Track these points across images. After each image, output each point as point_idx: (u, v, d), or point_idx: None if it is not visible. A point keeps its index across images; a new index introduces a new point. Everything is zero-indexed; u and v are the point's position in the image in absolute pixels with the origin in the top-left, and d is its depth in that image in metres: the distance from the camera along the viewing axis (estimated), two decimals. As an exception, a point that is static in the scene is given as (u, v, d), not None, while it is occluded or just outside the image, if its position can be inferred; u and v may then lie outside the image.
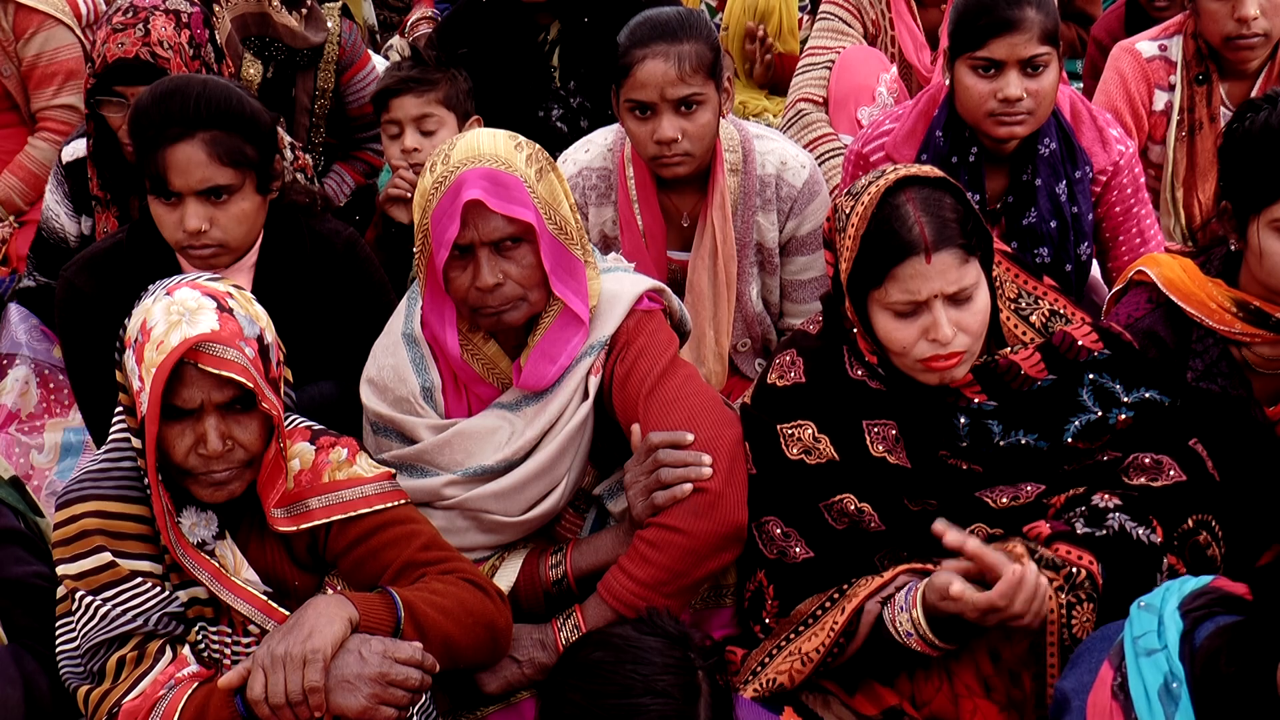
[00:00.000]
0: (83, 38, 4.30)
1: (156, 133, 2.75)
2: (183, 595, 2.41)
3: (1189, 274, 2.73)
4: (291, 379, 2.51)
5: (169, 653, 2.38)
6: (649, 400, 2.59)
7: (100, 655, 2.37)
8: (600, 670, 2.04)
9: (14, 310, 3.79)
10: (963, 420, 2.51)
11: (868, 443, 2.55)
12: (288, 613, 2.36)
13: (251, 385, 2.29)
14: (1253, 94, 3.66)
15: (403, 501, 2.51)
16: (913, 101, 3.53)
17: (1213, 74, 3.68)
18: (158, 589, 2.39)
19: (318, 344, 2.92)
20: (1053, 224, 3.29)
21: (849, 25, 4.24)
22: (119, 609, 2.35)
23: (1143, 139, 3.76)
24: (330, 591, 2.45)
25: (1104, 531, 2.43)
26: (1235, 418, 2.68)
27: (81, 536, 2.37)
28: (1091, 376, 2.52)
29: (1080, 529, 2.44)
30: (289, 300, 2.84)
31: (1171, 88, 3.74)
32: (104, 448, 2.49)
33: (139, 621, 2.36)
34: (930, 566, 2.41)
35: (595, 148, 3.33)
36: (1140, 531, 2.43)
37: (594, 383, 2.64)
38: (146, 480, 2.35)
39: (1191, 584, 2.13)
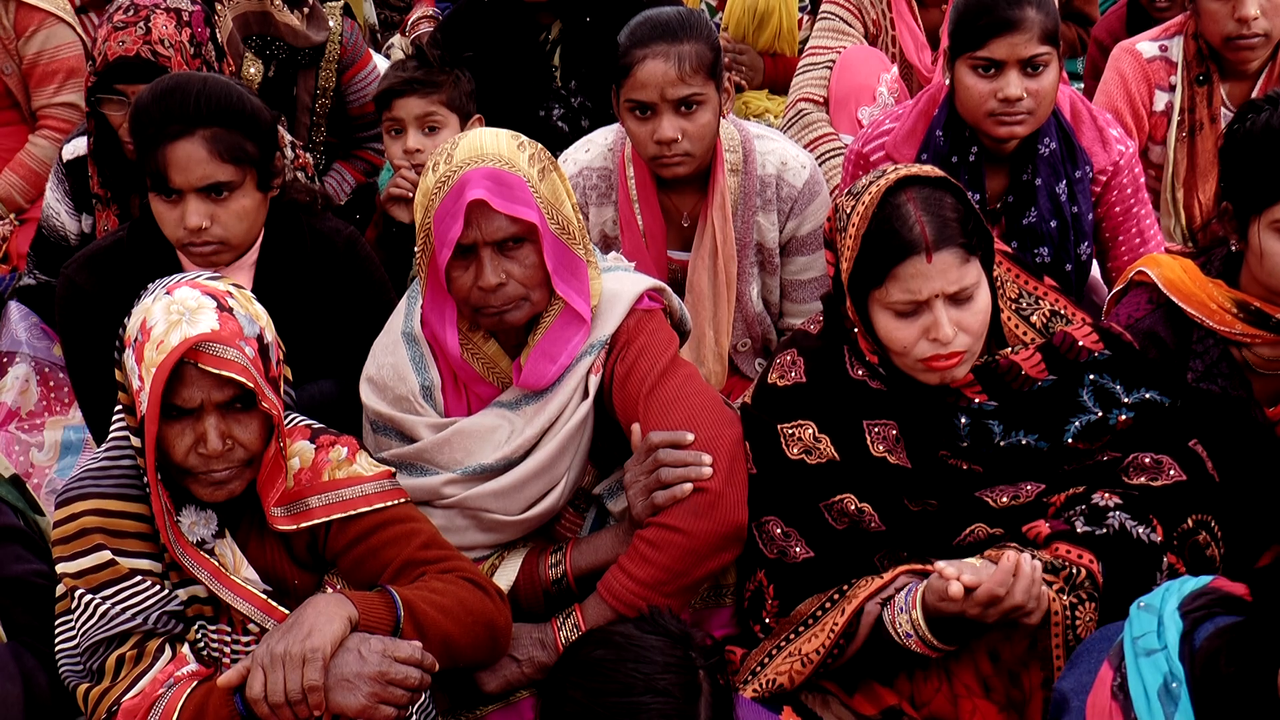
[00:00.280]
0: (82, 33, 4.31)
1: (157, 130, 2.75)
2: (182, 594, 2.41)
3: (1189, 274, 2.73)
4: (291, 377, 2.51)
5: (168, 651, 2.38)
6: (649, 399, 2.59)
7: (99, 653, 2.37)
8: (601, 668, 2.04)
9: (14, 308, 3.79)
10: (963, 420, 2.51)
11: (868, 443, 2.55)
12: (287, 611, 2.36)
13: (252, 385, 2.29)
14: (1253, 95, 3.66)
15: (402, 500, 2.51)
16: (913, 101, 3.52)
17: (1213, 74, 3.68)
18: (157, 587, 2.39)
19: (318, 342, 2.92)
20: (1053, 224, 3.29)
21: (849, 25, 4.24)
22: (118, 607, 2.35)
23: (1143, 139, 3.76)
24: (330, 590, 2.45)
25: (1104, 530, 2.43)
26: (1235, 418, 2.68)
27: (81, 535, 2.37)
28: (1092, 377, 2.52)
29: (1080, 528, 2.44)
30: (289, 298, 2.84)
31: (1172, 88, 3.73)
32: (103, 446, 2.49)
33: (138, 620, 2.36)
34: (930, 567, 2.41)
35: (596, 147, 3.33)
36: (1140, 530, 2.43)
37: (594, 382, 2.64)
38: (146, 479, 2.35)
39: (1191, 584, 2.12)
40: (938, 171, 2.51)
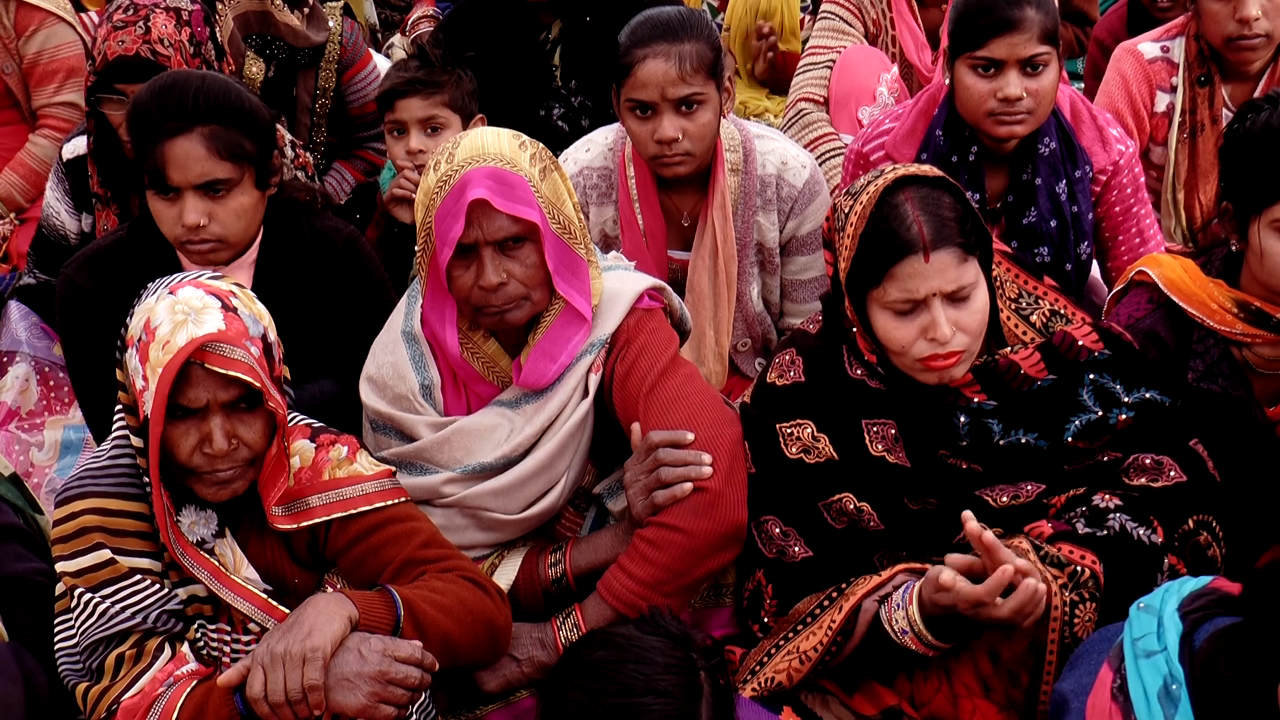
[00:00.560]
0: (82, 33, 4.31)
1: (155, 128, 2.75)
2: (181, 593, 2.41)
3: (1190, 274, 2.73)
4: (289, 377, 2.51)
5: (168, 650, 2.38)
6: (649, 399, 2.59)
7: (99, 652, 2.37)
8: (602, 669, 2.03)
9: (14, 308, 3.79)
10: (962, 419, 2.51)
11: (867, 442, 2.55)
12: (287, 611, 2.35)
13: (259, 385, 2.29)
14: (1255, 96, 3.66)
15: (403, 499, 2.51)
16: (913, 101, 3.53)
17: (1215, 76, 3.68)
18: (157, 586, 2.39)
19: (318, 341, 2.92)
20: (1052, 223, 3.29)
21: (850, 25, 4.24)
22: (118, 606, 2.35)
23: (1144, 140, 3.76)
24: (330, 589, 2.45)
25: (1105, 532, 2.43)
26: (1236, 418, 2.68)
27: (81, 533, 2.37)
28: (1092, 376, 2.52)
29: (1081, 529, 2.44)
30: (289, 297, 2.84)
31: (1173, 89, 3.73)
32: (103, 445, 2.49)
33: (138, 619, 2.36)
34: (928, 566, 2.41)
35: (596, 147, 3.33)
36: (1141, 532, 2.43)
37: (594, 381, 2.64)
38: (146, 479, 2.35)
39: (1191, 585, 2.12)
40: (936, 171, 2.51)
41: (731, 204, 3.22)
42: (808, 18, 4.83)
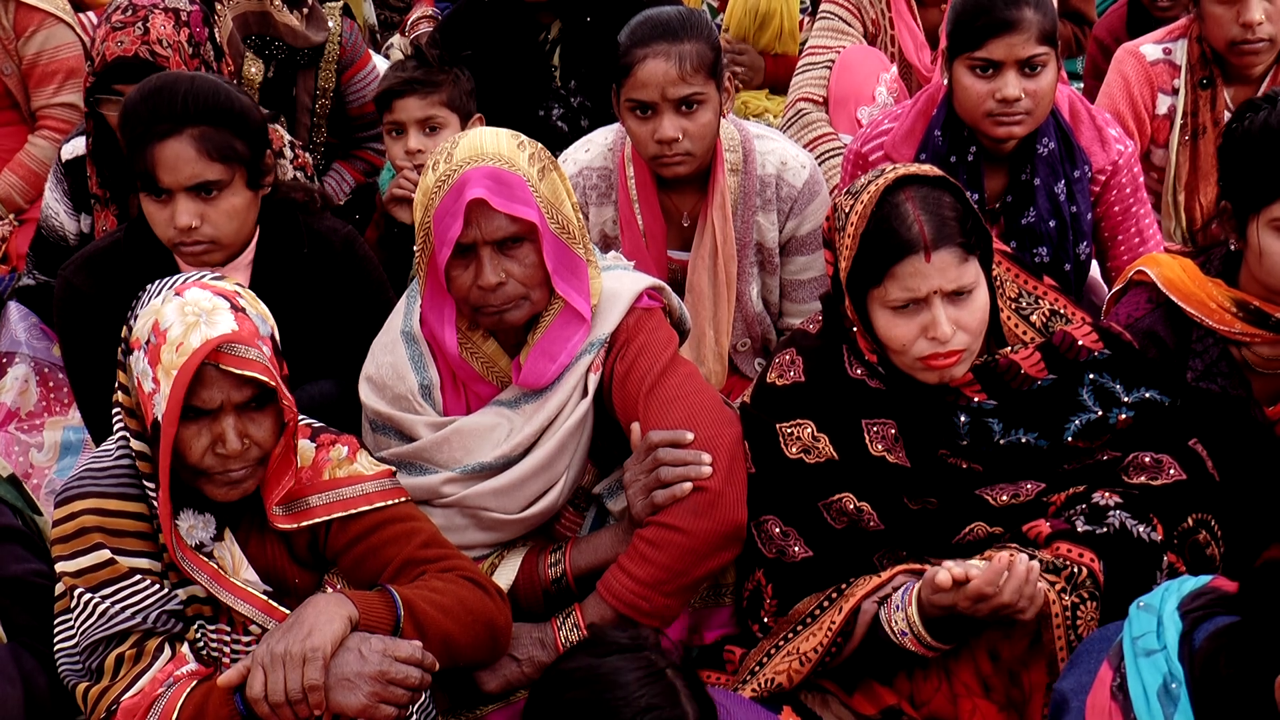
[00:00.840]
0: (82, 34, 4.31)
1: (145, 129, 2.75)
2: (181, 593, 2.41)
3: (1189, 274, 2.74)
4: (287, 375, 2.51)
5: (168, 650, 2.38)
6: (649, 398, 2.59)
7: (99, 652, 2.37)
8: (584, 711, 2.01)
9: (13, 308, 3.79)
10: (962, 419, 2.51)
11: (867, 442, 2.55)
12: (287, 611, 2.35)
13: (273, 384, 2.29)
14: (1255, 97, 3.66)
15: (403, 499, 2.51)
16: (911, 101, 3.52)
17: (1217, 78, 3.67)
18: (156, 586, 2.38)
19: (317, 342, 2.92)
20: (1051, 223, 3.29)
21: (849, 25, 4.23)
22: (117, 606, 2.35)
23: (1145, 142, 3.75)
24: (330, 589, 2.45)
25: (1104, 529, 2.43)
26: (1235, 418, 2.68)
27: (80, 534, 2.37)
28: (1091, 376, 2.52)
29: (1081, 527, 2.44)
30: (287, 298, 2.83)
31: (1175, 91, 3.72)
32: (104, 445, 2.49)
33: (138, 619, 2.36)
34: (927, 567, 2.41)
35: (595, 147, 3.33)
36: (1141, 529, 2.43)
37: (593, 380, 2.64)
38: (148, 480, 2.34)
39: (1190, 584, 2.12)
40: (936, 171, 2.51)
41: (731, 204, 3.22)
42: (807, 18, 4.82)
